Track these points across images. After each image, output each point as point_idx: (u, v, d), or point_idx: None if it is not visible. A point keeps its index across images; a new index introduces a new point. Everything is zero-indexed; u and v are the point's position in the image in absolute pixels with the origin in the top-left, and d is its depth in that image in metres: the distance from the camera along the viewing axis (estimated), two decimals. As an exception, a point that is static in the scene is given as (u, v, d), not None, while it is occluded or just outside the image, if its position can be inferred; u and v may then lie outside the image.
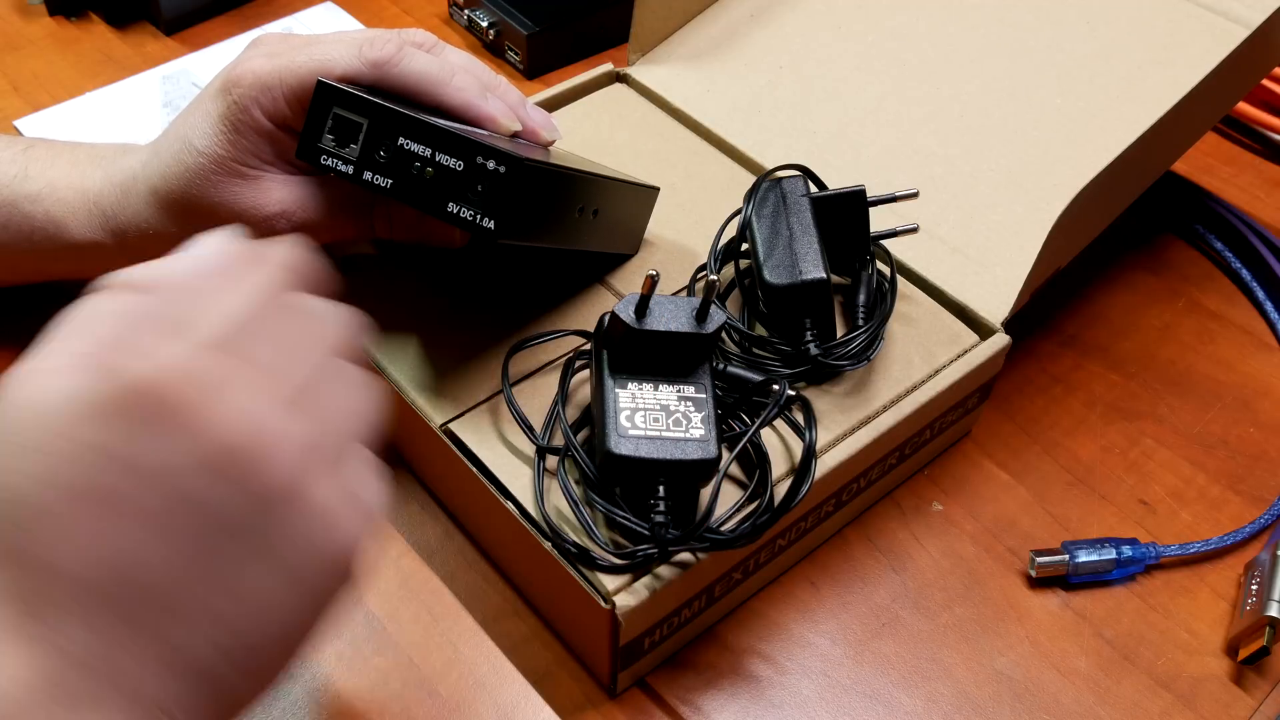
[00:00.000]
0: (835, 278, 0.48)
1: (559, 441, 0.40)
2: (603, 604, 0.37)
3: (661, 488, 0.37)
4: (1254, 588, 0.44)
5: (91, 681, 0.28)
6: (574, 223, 0.42)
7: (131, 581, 0.28)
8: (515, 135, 0.43)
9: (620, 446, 0.37)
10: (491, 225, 0.36)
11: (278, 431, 0.28)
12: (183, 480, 0.27)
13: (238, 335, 0.29)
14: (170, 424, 0.27)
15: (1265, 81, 0.67)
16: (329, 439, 0.30)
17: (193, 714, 0.29)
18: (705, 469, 0.37)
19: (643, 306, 0.38)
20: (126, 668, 0.29)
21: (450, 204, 0.37)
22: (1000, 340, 0.46)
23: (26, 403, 0.27)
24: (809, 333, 0.44)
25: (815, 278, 0.43)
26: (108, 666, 0.28)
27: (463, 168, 0.37)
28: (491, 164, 0.36)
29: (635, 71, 0.58)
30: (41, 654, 0.28)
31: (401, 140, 0.37)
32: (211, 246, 0.31)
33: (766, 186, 0.46)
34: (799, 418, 0.41)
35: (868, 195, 0.46)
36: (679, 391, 0.39)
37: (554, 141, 0.46)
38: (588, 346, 0.43)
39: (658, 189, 0.49)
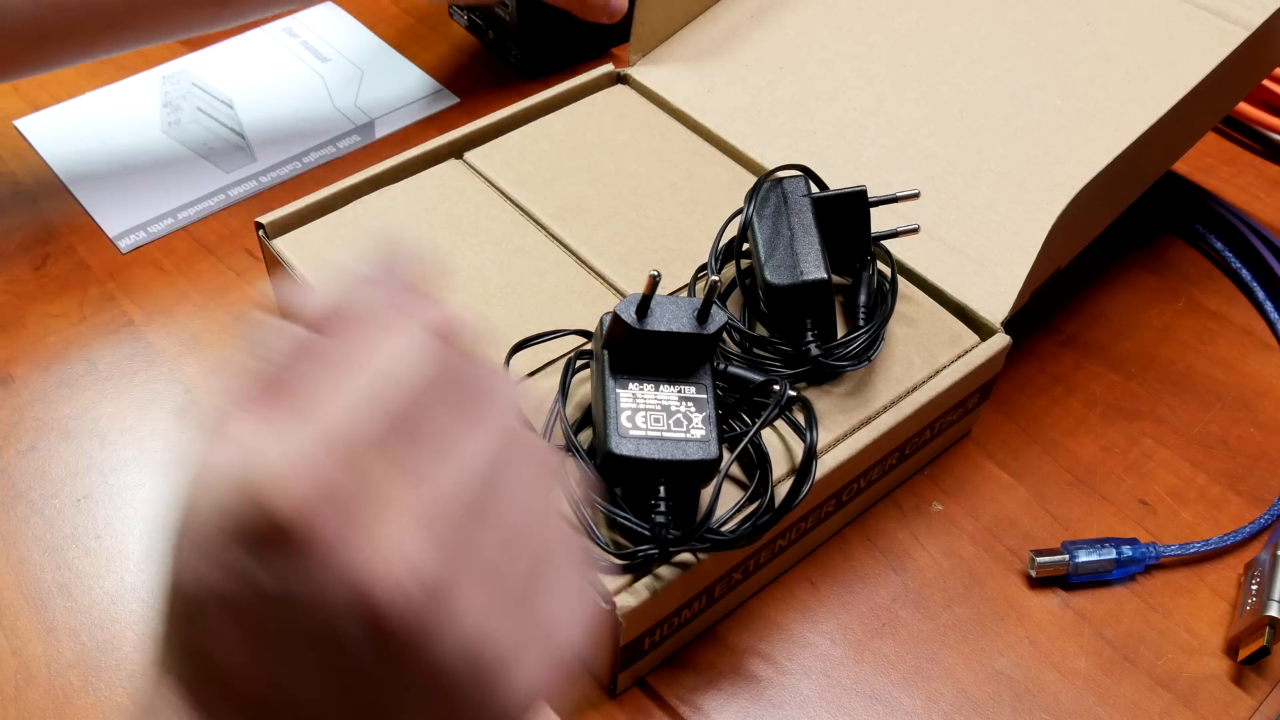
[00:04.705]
0: (836, 278, 0.48)
1: (559, 441, 0.40)
2: (603, 604, 0.37)
3: (662, 488, 0.37)
4: (1254, 588, 0.44)
5: None
6: None
7: (276, 708, 0.25)
8: None
9: (621, 447, 0.37)
10: None
11: (429, 573, 0.23)
12: (318, 614, 0.23)
13: (390, 432, 0.23)
14: (310, 559, 0.23)
15: (1265, 81, 0.67)
16: (512, 562, 0.24)
17: None
18: (706, 469, 0.37)
19: (644, 307, 0.38)
20: None
21: None
22: (1000, 340, 0.46)
23: (193, 499, 0.24)
24: (810, 333, 0.44)
25: (816, 278, 0.43)
26: None
27: None
28: None
29: (636, 72, 0.58)
30: None
31: None
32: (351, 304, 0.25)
33: (768, 187, 0.46)
34: (800, 418, 0.41)
35: (869, 195, 0.46)
36: (680, 392, 0.39)
37: None
38: (588, 346, 0.43)
39: None
